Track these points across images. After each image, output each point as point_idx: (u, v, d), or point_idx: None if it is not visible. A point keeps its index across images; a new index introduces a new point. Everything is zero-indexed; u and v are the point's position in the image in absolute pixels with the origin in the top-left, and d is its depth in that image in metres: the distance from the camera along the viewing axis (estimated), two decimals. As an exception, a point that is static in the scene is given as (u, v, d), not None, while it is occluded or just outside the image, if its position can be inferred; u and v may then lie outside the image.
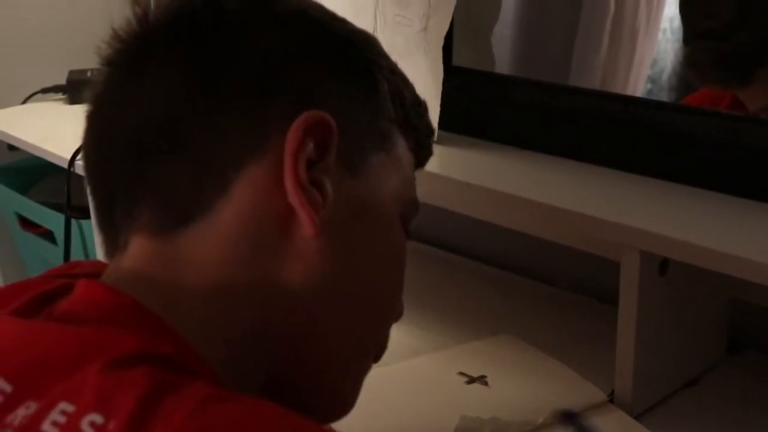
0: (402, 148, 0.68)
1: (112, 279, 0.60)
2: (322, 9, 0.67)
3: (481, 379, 1.02)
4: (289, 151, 0.59)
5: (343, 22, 0.68)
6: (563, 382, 1.01)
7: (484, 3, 1.26)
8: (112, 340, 0.52)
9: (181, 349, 0.55)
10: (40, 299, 0.60)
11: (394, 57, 1.23)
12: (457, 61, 1.23)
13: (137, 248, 0.61)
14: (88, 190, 0.66)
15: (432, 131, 0.75)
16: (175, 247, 0.59)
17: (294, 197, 0.59)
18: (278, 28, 0.63)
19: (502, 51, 1.32)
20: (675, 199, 1.00)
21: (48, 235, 1.53)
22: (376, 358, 0.71)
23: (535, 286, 1.27)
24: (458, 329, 1.14)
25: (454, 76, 1.19)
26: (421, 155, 0.73)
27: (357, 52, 0.67)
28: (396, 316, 0.71)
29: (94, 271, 0.64)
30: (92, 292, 0.58)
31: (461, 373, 1.03)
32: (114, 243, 0.63)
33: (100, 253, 1.38)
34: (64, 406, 0.49)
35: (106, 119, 0.63)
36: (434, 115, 1.14)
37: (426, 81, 1.17)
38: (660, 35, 1.77)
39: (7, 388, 0.51)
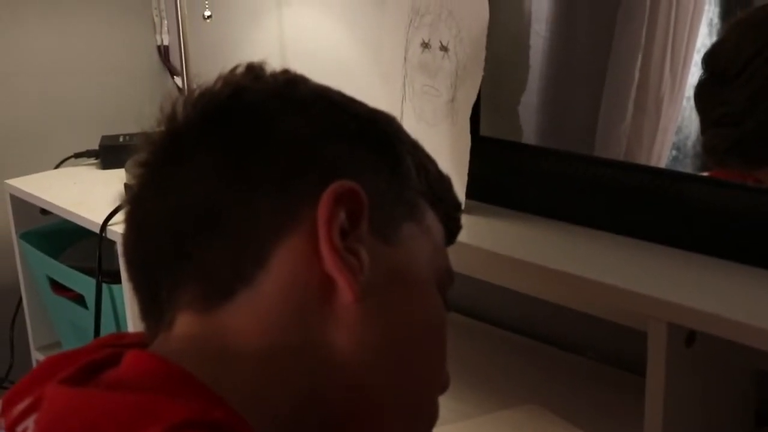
0: (431, 219, 0.70)
1: (162, 352, 0.62)
2: (340, 92, 0.70)
3: (508, 449, 1.02)
4: (322, 219, 0.61)
5: (362, 103, 0.70)
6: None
7: (511, 74, 1.28)
8: (165, 408, 0.54)
9: (231, 415, 0.56)
10: (89, 368, 0.61)
11: (422, 125, 1.25)
12: (484, 131, 1.25)
13: (183, 325, 0.62)
14: (128, 277, 0.68)
15: (459, 205, 0.76)
16: (219, 321, 0.61)
17: (331, 263, 0.60)
18: (302, 112, 0.66)
19: (529, 121, 1.34)
20: (701, 270, 1.00)
21: (79, 299, 1.54)
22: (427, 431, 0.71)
23: (563, 356, 1.27)
24: (486, 398, 1.14)
25: (481, 146, 1.20)
26: (451, 228, 0.74)
27: (379, 129, 0.69)
28: (442, 386, 0.71)
29: (140, 341, 0.66)
30: (143, 362, 0.59)
31: (488, 443, 1.03)
32: (159, 321, 0.65)
33: (130, 318, 1.39)
34: None
35: (145, 212, 0.66)
36: (461, 184, 1.16)
37: (453, 150, 1.19)
38: (684, 102, 1.79)
39: None
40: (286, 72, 0.69)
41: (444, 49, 1.20)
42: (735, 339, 0.89)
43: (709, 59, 1.14)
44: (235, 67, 0.68)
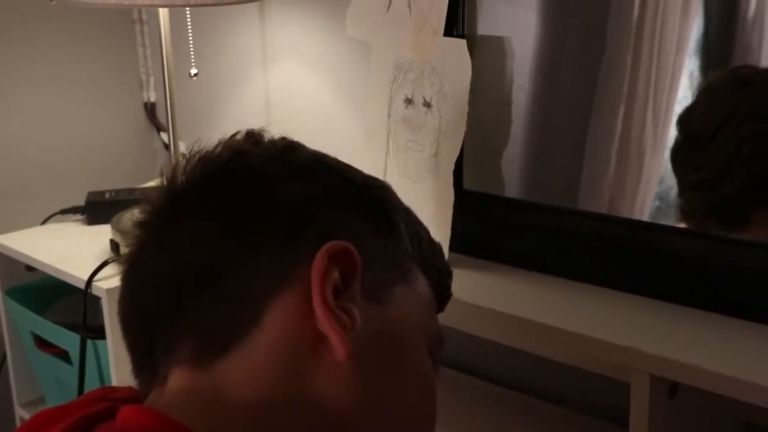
0: (423, 284, 0.71)
1: (156, 406, 0.62)
2: (336, 159, 0.72)
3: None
4: (316, 277, 0.62)
5: (357, 170, 0.72)
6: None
7: (494, 129, 1.30)
8: None
9: None
10: (83, 423, 0.61)
11: (406, 180, 1.26)
12: (468, 184, 1.26)
13: (178, 380, 0.63)
14: (123, 335, 0.69)
15: (450, 272, 0.77)
16: (213, 376, 0.62)
17: (323, 321, 0.61)
18: (300, 176, 0.68)
19: (512, 174, 1.35)
20: (684, 322, 1.01)
21: (63, 355, 1.53)
22: None
23: (546, 407, 1.27)
24: (470, 451, 1.14)
25: (464, 200, 1.22)
26: (441, 295, 0.75)
27: (374, 195, 0.71)
28: None
29: (131, 396, 0.67)
30: (139, 416, 0.60)
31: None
32: (152, 377, 0.65)
33: (114, 374, 1.39)
34: None
35: (142, 271, 0.67)
36: (445, 237, 1.17)
37: (437, 204, 1.20)
38: (666, 154, 1.81)
39: None
40: (284, 138, 0.72)
41: (427, 104, 1.22)
42: (718, 391, 0.90)
43: (682, 123, 1.16)
44: (235, 133, 0.71)
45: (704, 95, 1.16)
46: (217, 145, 0.69)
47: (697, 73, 1.85)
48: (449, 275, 0.77)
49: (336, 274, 0.62)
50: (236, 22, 1.79)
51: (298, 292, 0.62)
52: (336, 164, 0.71)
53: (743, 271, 1.02)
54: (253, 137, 0.70)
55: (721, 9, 1.85)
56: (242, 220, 0.65)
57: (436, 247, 0.76)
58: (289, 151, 0.70)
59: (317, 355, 0.62)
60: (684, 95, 1.79)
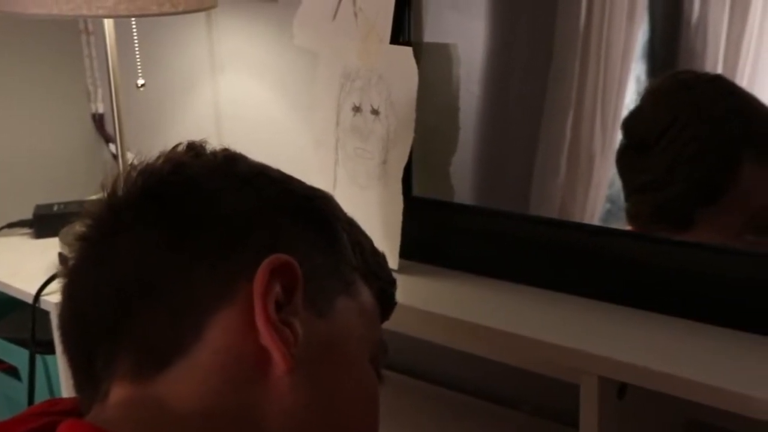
0: (366, 294, 0.71)
1: (97, 421, 0.62)
2: (279, 170, 0.72)
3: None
4: (258, 292, 0.62)
5: (299, 181, 0.72)
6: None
7: (442, 135, 1.30)
8: None
9: None
10: None
11: (355, 188, 1.27)
12: (417, 191, 1.27)
13: (119, 394, 0.63)
14: (63, 350, 0.68)
15: (393, 281, 0.78)
16: (155, 390, 0.62)
17: (266, 335, 0.61)
18: (240, 188, 0.68)
19: (463, 180, 1.36)
20: (632, 324, 1.02)
21: (12, 372, 1.52)
22: None
23: (499, 411, 1.28)
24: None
25: (414, 206, 1.22)
26: (385, 304, 0.75)
27: (316, 206, 0.71)
28: None
29: (74, 408, 0.66)
30: (77, 431, 0.59)
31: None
32: (94, 393, 0.65)
33: (65, 389, 1.37)
34: None
35: (82, 285, 0.67)
36: (395, 244, 1.17)
37: (386, 211, 1.20)
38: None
39: None
40: (225, 150, 0.71)
41: (375, 112, 1.22)
42: (665, 391, 0.91)
43: (627, 127, 1.17)
44: (177, 145, 0.70)
45: (647, 100, 1.17)
46: (158, 158, 0.69)
47: (644, 77, 1.87)
48: (393, 284, 0.77)
49: (278, 288, 0.62)
50: (183, 32, 1.78)
51: (240, 305, 0.62)
52: (277, 176, 0.71)
53: (689, 272, 1.03)
54: (194, 149, 0.70)
55: (666, 14, 1.87)
56: (182, 233, 0.64)
57: (379, 256, 0.76)
58: (229, 162, 0.70)
59: (260, 368, 0.62)
60: (631, 99, 1.82)
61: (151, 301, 0.63)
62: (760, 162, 1.08)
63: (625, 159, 1.17)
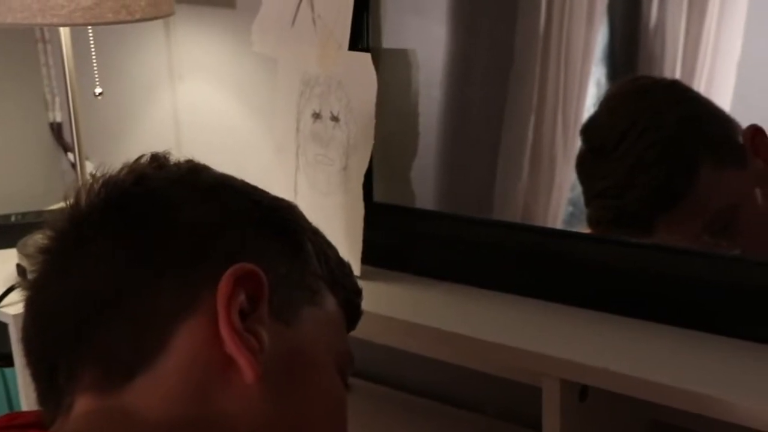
0: (332, 304, 0.71)
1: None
2: (242, 181, 0.72)
3: None
4: (222, 301, 0.62)
5: (263, 191, 0.72)
6: None
7: (403, 141, 1.30)
8: None
9: None
10: None
11: (316, 195, 1.26)
12: (378, 197, 1.27)
13: (84, 407, 0.62)
14: (26, 363, 0.68)
15: (359, 290, 0.78)
16: (120, 402, 0.61)
17: (231, 344, 0.61)
18: (204, 199, 0.68)
19: (424, 186, 1.36)
20: (592, 326, 1.03)
21: (-29, 384, 1.50)
22: None
23: (463, 415, 1.28)
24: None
25: (375, 212, 1.22)
26: (351, 313, 0.75)
27: (280, 216, 0.71)
28: None
29: (37, 421, 0.65)
30: None
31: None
32: (57, 406, 0.64)
33: (25, 402, 1.36)
34: None
35: (45, 298, 0.66)
36: (356, 250, 1.17)
37: (347, 217, 1.20)
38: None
39: None
40: (189, 161, 0.71)
41: (335, 119, 1.22)
42: (626, 392, 0.92)
43: (586, 133, 1.18)
44: (140, 156, 0.70)
45: (605, 105, 1.18)
46: (121, 169, 0.68)
47: (604, 81, 1.89)
48: (358, 294, 0.77)
49: (242, 297, 0.62)
50: (141, 40, 1.77)
51: (205, 315, 0.62)
52: (241, 186, 0.71)
53: (649, 274, 1.04)
54: (158, 160, 0.70)
55: (625, 17, 1.89)
56: (146, 245, 0.64)
57: (344, 266, 0.76)
58: (193, 174, 0.70)
59: (227, 377, 0.62)
60: (592, 103, 1.83)
61: (114, 313, 0.62)
62: (717, 166, 1.09)
63: (584, 165, 1.17)
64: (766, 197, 1.12)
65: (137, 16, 1.34)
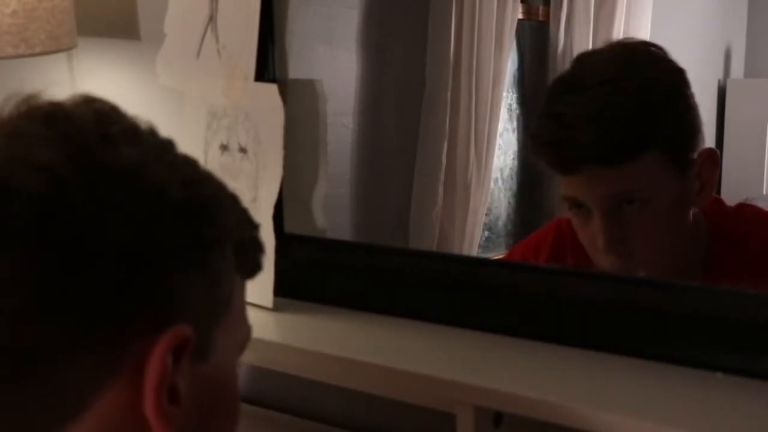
0: (235, 285, 0.66)
1: None
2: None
3: None
4: (151, 383, 0.58)
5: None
6: None
7: (312, 171, 1.30)
8: None
9: None
10: None
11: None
12: (289, 228, 1.26)
13: None
14: None
15: (256, 226, 0.71)
16: None
17: (154, 423, 0.58)
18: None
19: (337, 215, 1.36)
20: (506, 352, 1.03)
21: None
22: None
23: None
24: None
25: (286, 243, 1.21)
26: (252, 266, 0.69)
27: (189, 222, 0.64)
28: None
29: None
30: None
31: None
32: None
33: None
34: None
35: None
36: (269, 282, 1.16)
37: (259, 250, 1.19)
38: (492, 185, 1.86)
39: None
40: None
41: (243, 150, 1.21)
42: (539, 417, 0.92)
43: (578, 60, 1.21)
44: None
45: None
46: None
47: (515, 106, 1.91)
48: (255, 228, 0.70)
49: (170, 361, 0.59)
50: (44, 73, 1.74)
51: (130, 383, 0.59)
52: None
53: (560, 299, 1.04)
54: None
55: (533, 44, 1.92)
56: (63, 297, 0.58)
57: (243, 222, 0.69)
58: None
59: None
60: (504, 127, 1.85)
61: (26, 377, 0.58)
62: (662, 159, 1.08)
63: (555, 86, 1.20)
64: (672, 219, 1.13)
65: (38, 50, 1.31)
